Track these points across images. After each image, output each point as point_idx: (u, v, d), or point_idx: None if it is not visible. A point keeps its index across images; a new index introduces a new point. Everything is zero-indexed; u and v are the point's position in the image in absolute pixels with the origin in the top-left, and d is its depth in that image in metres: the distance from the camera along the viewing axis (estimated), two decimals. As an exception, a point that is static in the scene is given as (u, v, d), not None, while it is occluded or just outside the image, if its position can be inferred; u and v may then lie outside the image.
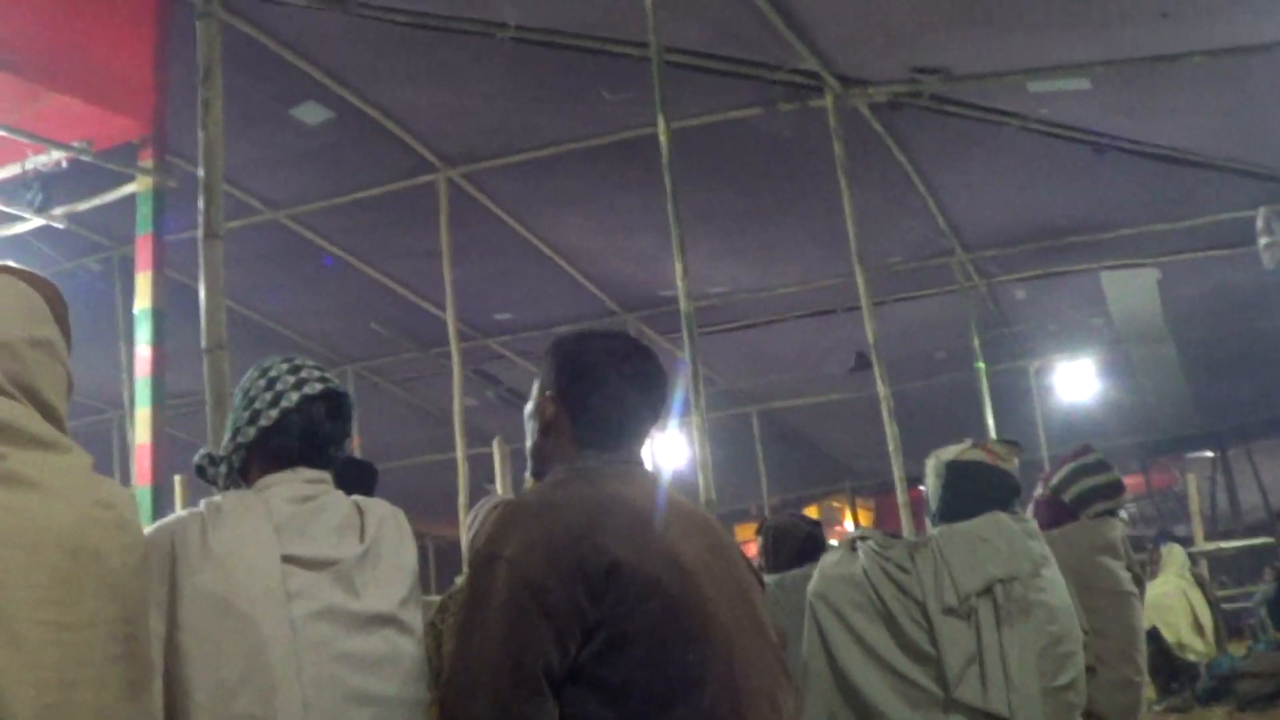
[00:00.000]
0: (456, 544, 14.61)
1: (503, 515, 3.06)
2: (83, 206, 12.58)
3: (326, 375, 3.54)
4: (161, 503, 11.27)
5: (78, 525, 2.53)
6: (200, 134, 6.73)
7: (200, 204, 6.62)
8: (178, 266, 11.89)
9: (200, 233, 6.60)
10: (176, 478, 11.67)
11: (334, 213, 15.10)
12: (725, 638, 2.96)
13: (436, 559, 23.69)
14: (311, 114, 13.50)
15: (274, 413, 3.43)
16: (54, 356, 2.73)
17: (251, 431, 3.45)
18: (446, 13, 11.93)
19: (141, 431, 11.36)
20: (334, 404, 3.51)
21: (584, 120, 13.26)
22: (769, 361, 19.10)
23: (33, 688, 2.36)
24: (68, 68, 11.29)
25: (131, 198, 12.00)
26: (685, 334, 9.87)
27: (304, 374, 3.50)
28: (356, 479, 4.21)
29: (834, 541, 6.52)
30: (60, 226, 12.79)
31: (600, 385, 3.23)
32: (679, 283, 9.91)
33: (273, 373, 3.51)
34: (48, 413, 2.66)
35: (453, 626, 3.07)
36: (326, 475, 3.48)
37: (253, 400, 3.48)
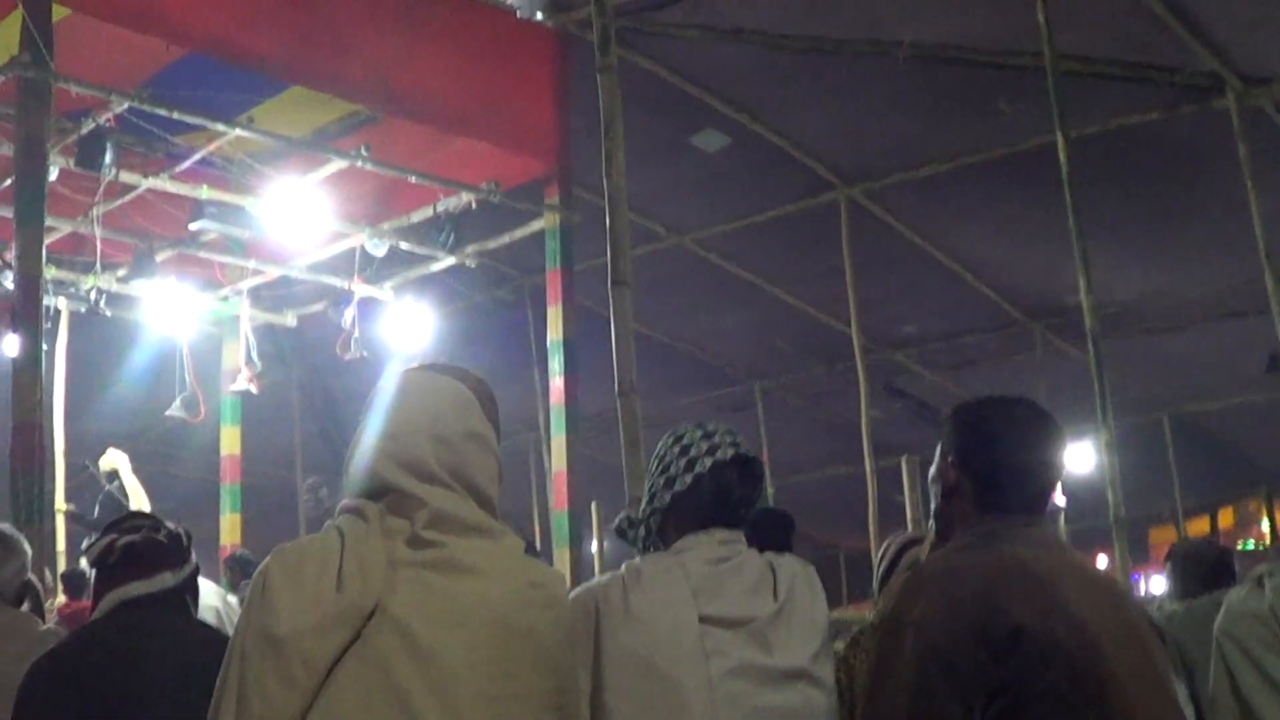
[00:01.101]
0: (866, 555, 14.69)
1: (908, 582, 3.13)
2: (492, 244, 13.13)
3: (738, 440, 3.66)
4: (578, 526, 11.71)
5: (512, 605, 2.76)
6: (605, 183, 6.96)
7: (608, 254, 6.84)
8: (587, 293, 12.27)
9: (609, 281, 6.83)
10: (593, 504, 12.04)
11: (736, 235, 15.40)
12: (1125, 695, 2.97)
13: (848, 570, 23.74)
14: (710, 141, 13.81)
15: (688, 478, 3.58)
16: (486, 448, 2.94)
17: (667, 496, 3.61)
18: (840, 35, 12.06)
19: (557, 459, 11.83)
20: (746, 467, 3.64)
21: (981, 133, 13.19)
22: (1178, 366, 18.57)
23: None
24: (474, 113, 11.82)
25: (539, 233, 12.48)
26: (1090, 345, 9.78)
27: (716, 439, 3.63)
28: (773, 528, 4.35)
29: (1251, 542, 6.37)
30: (471, 265, 13.36)
31: (1001, 450, 3.26)
32: (1082, 294, 9.83)
33: (686, 439, 3.66)
34: (482, 501, 2.89)
35: (861, 691, 3.16)
36: (740, 535, 3.61)
37: (668, 466, 3.63)
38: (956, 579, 3.04)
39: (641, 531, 3.71)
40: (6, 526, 5.01)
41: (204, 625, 4.03)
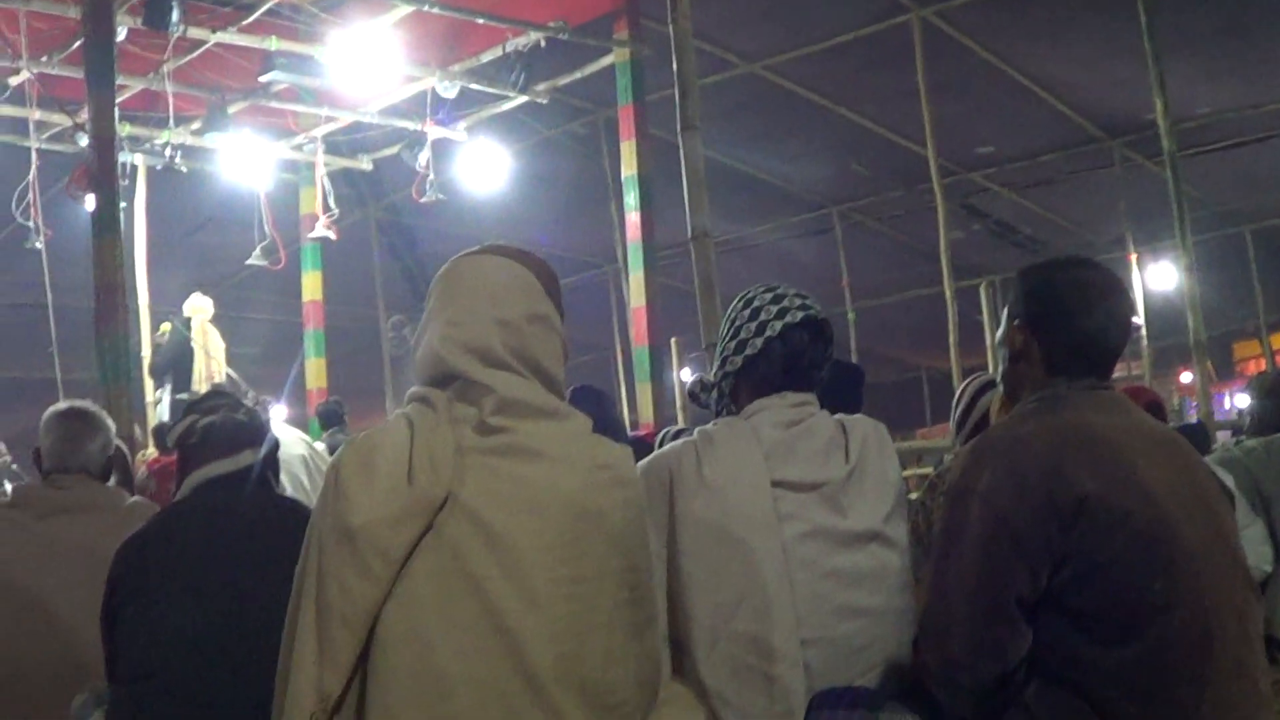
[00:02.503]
0: (948, 376, 14.75)
1: (974, 450, 3.14)
2: (563, 81, 13.06)
3: (808, 302, 3.64)
4: (658, 361, 11.76)
5: (581, 488, 2.78)
6: (670, 28, 6.92)
7: (676, 96, 6.81)
8: (661, 123, 12.18)
9: (678, 126, 6.81)
10: (673, 340, 12.07)
11: (809, 60, 15.25)
12: (1192, 562, 2.98)
13: (930, 390, 23.80)
14: (782, -37, 13.63)
15: (759, 341, 3.58)
16: (551, 329, 2.95)
17: (738, 360, 3.62)
18: None
19: (636, 295, 11.84)
20: (816, 329, 3.62)
21: (1056, -51, 12.98)
22: (1262, 180, 18.32)
23: (549, 639, 2.65)
24: (540, -50, 11.66)
25: (610, 67, 12.41)
26: (1168, 165, 9.67)
27: (786, 302, 3.61)
28: (843, 382, 4.35)
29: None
30: (543, 102, 13.33)
31: (1067, 313, 3.23)
32: (1159, 115, 9.71)
33: (756, 302, 3.64)
34: (549, 383, 2.90)
35: (931, 558, 3.18)
36: (811, 398, 3.62)
37: (739, 330, 3.63)
38: (1022, 448, 3.05)
39: (714, 394, 3.73)
40: (88, 403, 5.10)
41: (287, 500, 4.08)
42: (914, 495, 4.63)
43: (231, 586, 3.61)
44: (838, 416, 3.62)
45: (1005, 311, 3.38)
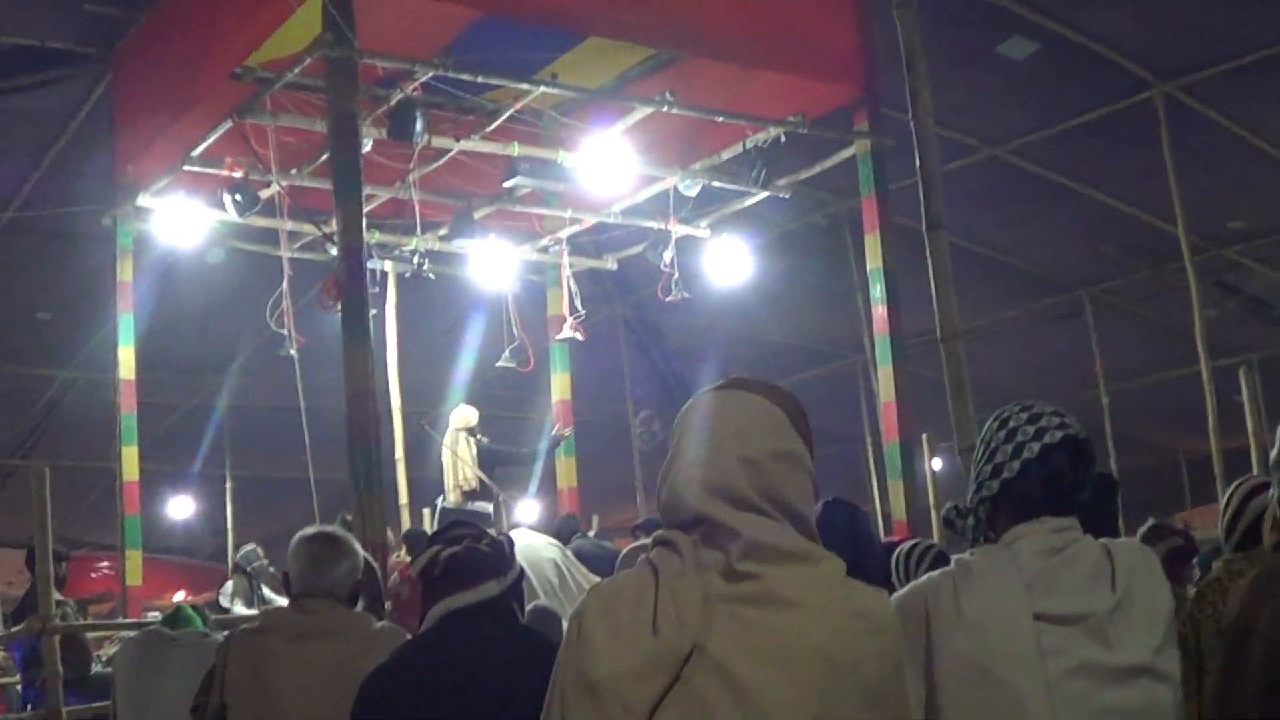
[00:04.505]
0: (1207, 458, 14.33)
1: (1254, 585, 2.97)
2: (804, 175, 13.06)
3: (1067, 420, 3.50)
4: (910, 456, 11.59)
5: (834, 638, 2.63)
6: (911, 124, 6.85)
7: (920, 194, 6.74)
8: (904, 211, 12.08)
9: (924, 225, 6.73)
10: (924, 436, 11.90)
11: (1051, 141, 15.06)
12: None
13: (1189, 473, 23.15)
14: (1018, 49, 13.48)
15: (1016, 464, 3.45)
16: (799, 466, 2.81)
17: (995, 485, 3.49)
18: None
19: (885, 389, 11.73)
20: (1076, 449, 3.49)
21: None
22: None
23: None
24: (775, 45, 11.69)
25: (851, 159, 12.36)
26: None
27: (1044, 422, 3.48)
28: (1098, 497, 4.20)
29: None
30: (785, 197, 13.32)
31: None
32: None
33: (1012, 423, 3.52)
34: (798, 522, 2.76)
35: (1209, 700, 3.01)
36: (1073, 522, 3.47)
37: (994, 452, 3.51)
38: None
39: (971, 521, 3.59)
40: (336, 528, 5.18)
41: (531, 634, 4.08)
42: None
43: None
44: (1102, 541, 3.46)
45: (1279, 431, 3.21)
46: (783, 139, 12.34)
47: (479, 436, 13.72)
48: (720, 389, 2.89)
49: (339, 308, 9.31)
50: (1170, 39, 13.42)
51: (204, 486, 22.42)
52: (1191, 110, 14.19)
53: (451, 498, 13.51)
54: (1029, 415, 3.52)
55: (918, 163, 6.77)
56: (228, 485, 21.66)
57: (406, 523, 14.26)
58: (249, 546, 15.01)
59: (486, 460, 13.63)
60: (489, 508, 13.33)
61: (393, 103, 10.80)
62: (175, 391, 18.81)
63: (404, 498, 14.73)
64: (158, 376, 15.73)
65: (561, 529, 12.66)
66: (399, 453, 14.56)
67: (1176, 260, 15.01)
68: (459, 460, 13.48)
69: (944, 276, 6.65)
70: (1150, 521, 7.30)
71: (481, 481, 13.26)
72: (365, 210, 9.68)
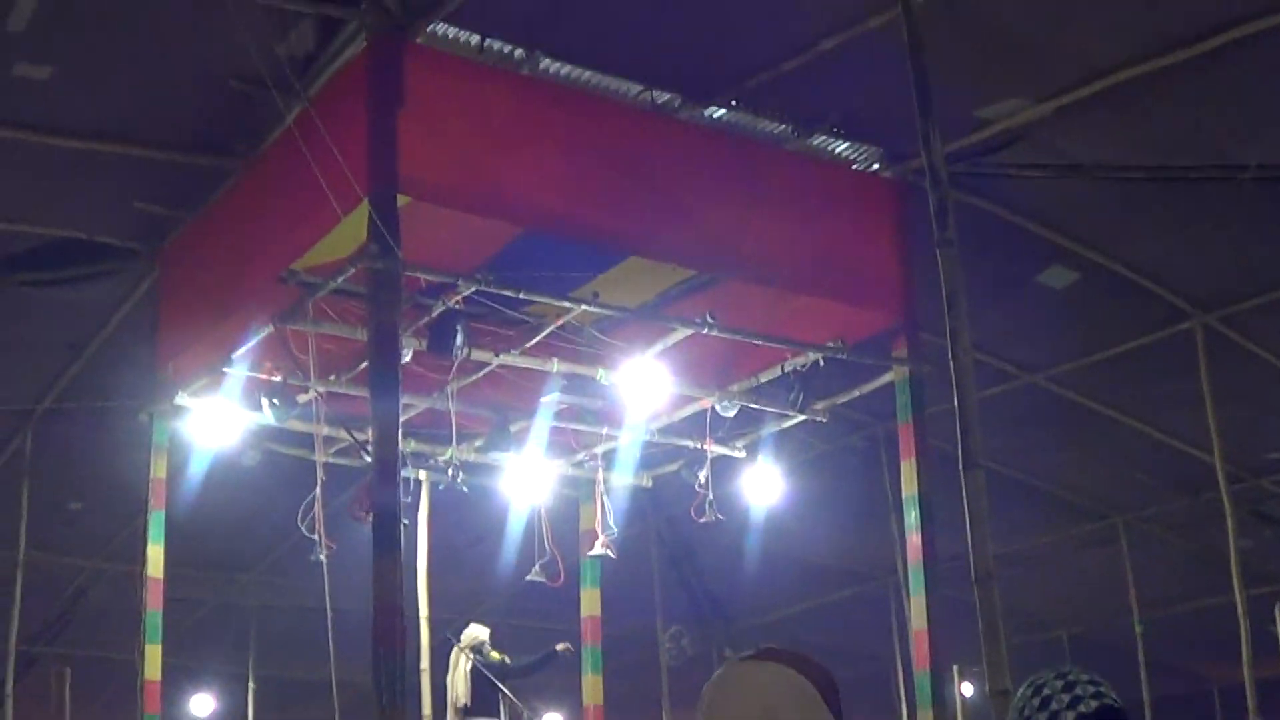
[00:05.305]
0: (1240, 687, 14.19)
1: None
2: (842, 399, 13.05)
3: (1103, 689, 3.41)
4: (940, 686, 11.43)
5: None
6: (951, 364, 6.84)
7: (957, 433, 6.72)
8: (940, 435, 12.05)
9: (960, 464, 6.70)
10: (954, 667, 11.78)
11: (1089, 370, 15.15)
12: None
13: (1222, 703, 22.82)
14: (1058, 278, 13.57)
15: None
16: None
17: None
18: (1185, 163, 11.77)
19: (918, 617, 11.60)
20: (1113, 719, 3.38)
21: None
22: None
23: None
24: (815, 270, 11.77)
25: (889, 384, 12.36)
26: None
27: (1079, 690, 3.39)
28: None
29: None
30: (822, 420, 13.30)
31: None
32: None
33: (1046, 690, 3.43)
34: None
35: None
36: None
37: None
38: None
39: None
40: None
41: None
42: None
43: None
44: None
45: None
46: (821, 363, 12.36)
47: (486, 652, 13.72)
48: (748, 659, 2.80)
49: (370, 519, 9.29)
50: (1210, 271, 13.55)
51: (226, 685, 22.25)
52: (1230, 341, 14.22)
53: (449, 716, 13.59)
54: (1064, 683, 3.43)
55: (956, 400, 6.75)
56: (250, 685, 21.47)
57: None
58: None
59: (481, 679, 13.68)
60: None
61: (434, 314, 10.86)
62: (202, 586, 18.76)
63: (427, 708, 14.56)
64: (185, 572, 15.68)
65: None
66: (424, 662, 14.42)
67: (1213, 489, 14.92)
68: (454, 678, 13.52)
69: (979, 518, 6.59)
70: None
71: (482, 699, 13.29)
72: (401, 419, 9.67)
